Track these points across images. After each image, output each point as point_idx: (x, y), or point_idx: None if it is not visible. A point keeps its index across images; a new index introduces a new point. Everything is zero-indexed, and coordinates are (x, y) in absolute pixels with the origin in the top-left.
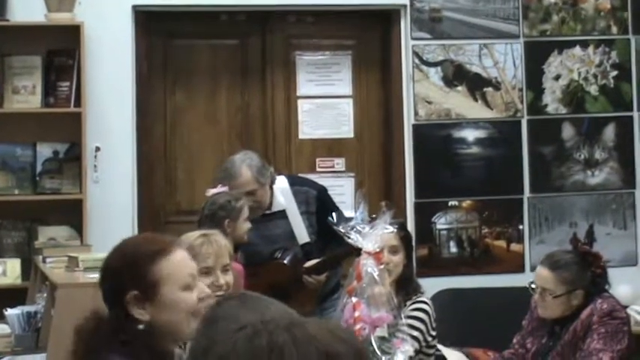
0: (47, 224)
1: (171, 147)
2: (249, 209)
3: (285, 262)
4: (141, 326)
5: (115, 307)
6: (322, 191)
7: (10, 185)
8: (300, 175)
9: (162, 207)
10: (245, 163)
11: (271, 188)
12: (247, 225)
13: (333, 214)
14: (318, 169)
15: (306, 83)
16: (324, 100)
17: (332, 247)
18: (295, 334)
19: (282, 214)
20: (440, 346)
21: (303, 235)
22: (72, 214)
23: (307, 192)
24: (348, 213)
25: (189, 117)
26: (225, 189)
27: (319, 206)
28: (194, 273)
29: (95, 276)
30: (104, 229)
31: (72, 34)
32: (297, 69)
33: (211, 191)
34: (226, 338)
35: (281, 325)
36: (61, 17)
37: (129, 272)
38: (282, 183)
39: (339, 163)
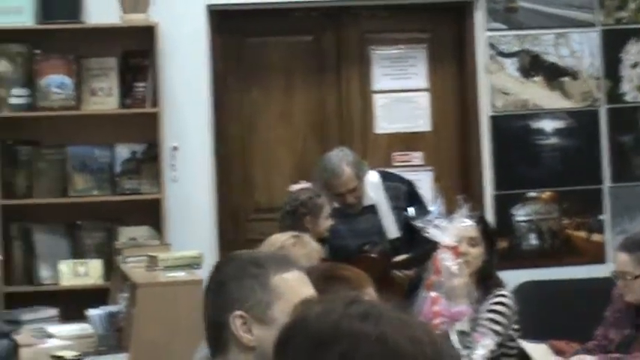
0: (127, 224)
1: (248, 145)
2: (349, 206)
3: (374, 256)
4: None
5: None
6: (412, 186)
7: (90, 186)
8: (388, 170)
9: (240, 205)
10: (344, 161)
11: None
12: (329, 222)
13: (409, 209)
14: (394, 164)
15: (381, 77)
16: (399, 93)
17: (420, 242)
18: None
19: (372, 209)
20: (522, 341)
21: (392, 229)
22: (151, 214)
23: (397, 187)
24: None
25: (265, 115)
26: (307, 185)
27: (409, 201)
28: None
29: (175, 275)
30: (183, 228)
31: (147, 34)
32: (372, 63)
33: (294, 187)
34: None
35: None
36: (136, 18)
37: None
38: (373, 178)
39: (417, 157)
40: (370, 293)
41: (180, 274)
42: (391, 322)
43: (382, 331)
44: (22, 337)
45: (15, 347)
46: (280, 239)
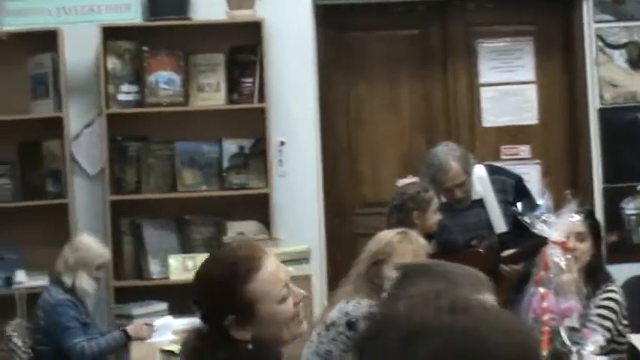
0: (235, 219)
1: (355, 139)
2: (456, 200)
3: (482, 250)
4: (249, 346)
5: (214, 327)
6: (519, 180)
7: (198, 182)
8: (495, 163)
9: (347, 199)
10: (451, 156)
11: None
12: (437, 216)
13: (517, 203)
14: (501, 157)
15: (488, 70)
16: (506, 86)
17: (528, 236)
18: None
19: (480, 203)
20: (632, 336)
21: (500, 224)
22: (258, 209)
23: (505, 181)
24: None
25: (372, 109)
26: (415, 180)
27: (516, 195)
28: (287, 280)
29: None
30: (291, 223)
31: (253, 30)
32: (478, 56)
33: (401, 182)
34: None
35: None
36: (243, 14)
37: (223, 299)
38: (480, 172)
39: (524, 151)
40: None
41: (289, 269)
42: (480, 313)
43: (472, 323)
44: (132, 330)
45: (126, 340)
46: (387, 236)
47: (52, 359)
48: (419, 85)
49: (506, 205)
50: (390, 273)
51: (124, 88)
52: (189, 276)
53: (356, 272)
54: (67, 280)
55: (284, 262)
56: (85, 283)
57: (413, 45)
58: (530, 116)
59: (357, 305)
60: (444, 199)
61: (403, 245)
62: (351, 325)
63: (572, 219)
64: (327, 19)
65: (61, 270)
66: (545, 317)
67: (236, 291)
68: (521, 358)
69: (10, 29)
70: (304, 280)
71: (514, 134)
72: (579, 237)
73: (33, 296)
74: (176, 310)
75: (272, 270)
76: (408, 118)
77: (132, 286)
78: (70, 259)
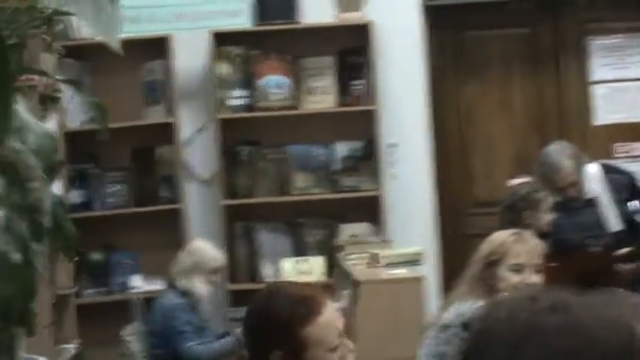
0: (347, 221)
1: (466, 139)
2: (570, 199)
3: (597, 249)
4: None
5: (258, 358)
6: (633, 178)
7: (310, 184)
8: (608, 162)
9: (460, 200)
10: (564, 155)
11: None
12: (548, 216)
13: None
14: (615, 155)
15: (600, 68)
16: (619, 83)
17: None
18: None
19: (593, 202)
20: None
21: (614, 222)
22: (370, 211)
23: (619, 179)
24: None
25: (483, 108)
26: (526, 179)
27: (630, 194)
28: (341, 330)
29: (396, 272)
30: (403, 225)
31: (362, 32)
32: (590, 54)
33: (513, 182)
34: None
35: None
36: (351, 16)
37: (278, 332)
38: (593, 170)
39: (638, 148)
40: None
41: (402, 271)
42: (581, 311)
43: (573, 320)
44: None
45: (239, 344)
46: (501, 236)
47: None
48: (530, 83)
49: (621, 203)
50: (504, 273)
51: (235, 92)
52: (302, 279)
53: (470, 273)
54: (183, 285)
55: (397, 264)
56: (200, 287)
57: (524, 43)
58: None
59: (472, 306)
60: (557, 199)
61: (517, 246)
62: (466, 326)
63: None
64: (436, 19)
65: (177, 274)
66: None
67: (292, 330)
68: (626, 353)
69: (122, 37)
70: (417, 282)
71: (627, 132)
72: None
73: (148, 301)
74: None
75: (331, 317)
76: (520, 117)
77: (246, 289)
78: (185, 263)
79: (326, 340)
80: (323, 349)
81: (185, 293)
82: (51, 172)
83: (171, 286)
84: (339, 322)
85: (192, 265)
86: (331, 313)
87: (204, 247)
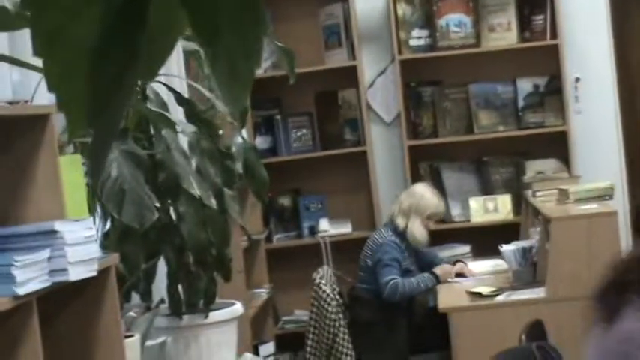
0: (533, 158)
1: None
2: None
3: None
4: None
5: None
6: None
7: (494, 122)
8: None
9: None
10: None
11: None
12: None
13: None
14: None
15: None
16: None
17: None
18: None
19: None
20: None
21: None
22: (556, 147)
23: None
24: None
25: None
26: None
27: None
28: None
29: (587, 207)
30: (590, 160)
31: None
32: None
33: None
34: None
35: None
36: None
37: None
38: None
39: None
40: None
41: (593, 207)
42: None
43: None
44: (441, 272)
45: (436, 282)
46: None
47: (369, 296)
48: None
49: None
50: None
51: (415, 33)
52: (489, 218)
53: None
54: (400, 223)
55: (587, 199)
56: (417, 229)
57: None
58: None
59: None
60: None
61: None
62: None
63: None
64: None
65: (395, 213)
66: None
67: None
68: None
69: None
70: (609, 217)
71: None
72: None
73: (336, 244)
74: (478, 252)
75: None
76: None
77: (436, 230)
78: (404, 203)
79: None
80: None
81: (401, 232)
82: (240, 118)
83: (390, 223)
84: None
85: (411, 206)
86: None
87: (425, 192)
